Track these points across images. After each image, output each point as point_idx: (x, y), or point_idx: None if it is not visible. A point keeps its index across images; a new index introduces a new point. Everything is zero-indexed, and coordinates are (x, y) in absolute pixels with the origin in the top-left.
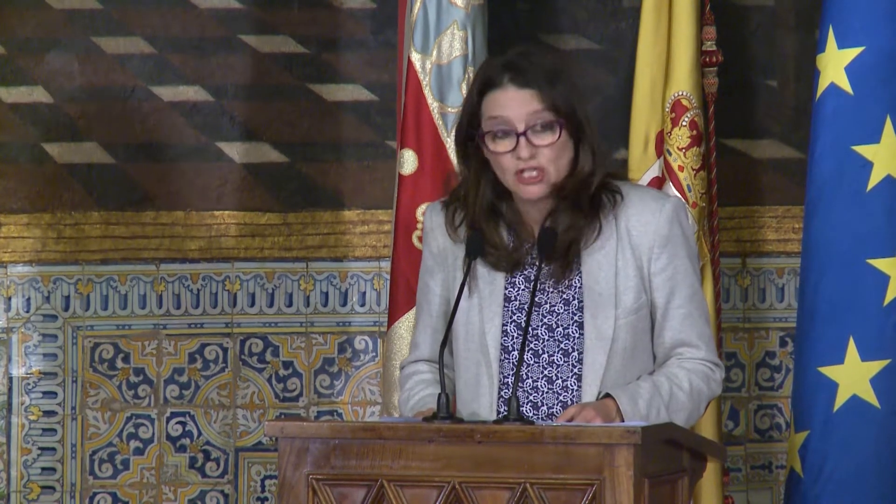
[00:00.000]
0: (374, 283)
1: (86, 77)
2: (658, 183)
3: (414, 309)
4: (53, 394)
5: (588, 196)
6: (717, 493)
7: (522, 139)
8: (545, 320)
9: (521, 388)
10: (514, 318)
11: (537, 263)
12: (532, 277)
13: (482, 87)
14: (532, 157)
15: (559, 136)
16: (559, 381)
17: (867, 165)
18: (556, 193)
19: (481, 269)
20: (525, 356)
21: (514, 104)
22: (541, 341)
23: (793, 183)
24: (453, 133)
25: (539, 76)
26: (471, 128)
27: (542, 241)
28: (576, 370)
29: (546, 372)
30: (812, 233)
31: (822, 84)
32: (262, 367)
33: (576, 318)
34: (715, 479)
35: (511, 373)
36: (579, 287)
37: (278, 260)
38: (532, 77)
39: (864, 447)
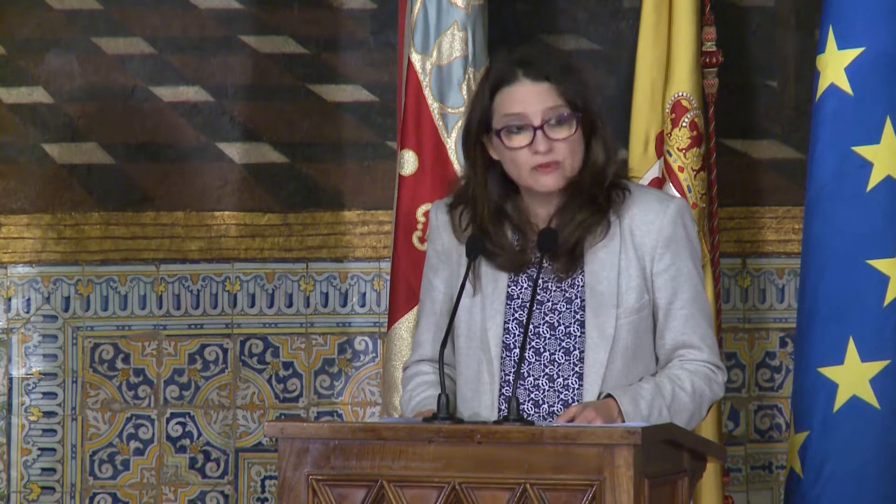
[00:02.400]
0: (374, 283)
1: (86, 77)
2: (658, 183)
3: (414, 309)
4: (53, 394)
5: (603, 190)
6: (717, 494)
7: (539, 133)
8: (547, 318)
9: (523, 385)
10: (517, 315)
11: (538, 262)
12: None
13: (495, 84)
14: (549, 150)
15: (575, 131)
16: (560, 379)
17: (867, 166)
18: (570, 188)
19: (485, 268)
20: (526, 354)
21: (531, 98)
22: (542, 339)
23: (793, 183)
24: (459, 135)
25: (553, 69)
26: (481, 128)
27: (542, 241)
28: (577, 369)
29: (547, 370)
30: (812, 233)
31: (822, 84)
32: (262, 368)
33: (577, 316)
34: (715, 480)
35: (511, 371)
36: (581, 286)
37: (278, 260)
38: (547, 70)
39: (864, 447)
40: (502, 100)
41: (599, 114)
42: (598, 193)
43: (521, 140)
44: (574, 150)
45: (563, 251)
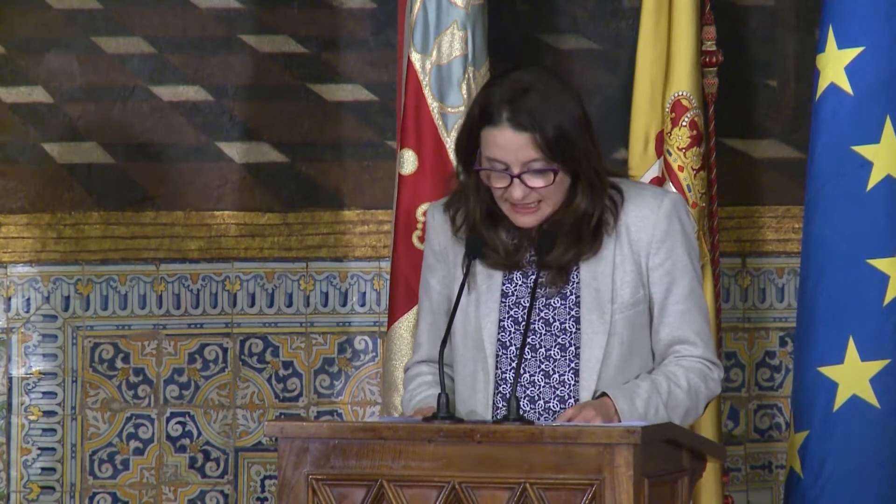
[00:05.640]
0: (373, 283)
1: (86, 77)
2: (658, 183)
3: (414, 309)
4: (53, 394)
5: (589, 227)
6: (717, 493)
7: (517, 181)
8: (542, 315)
9: (519, 382)
10: (511, 313)
11: (536, 266)
12: (530, 274)
13: (482, 118)
14: (525, 196)
15: (553, 181)
16: (556, 375)
17: (867, 165)
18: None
19: (479, 266)
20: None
21: (510, 148)
22: (538, 336)
23: (793, 183)
24: (454, 139)
25: (537, 118)
26: (471, 145)
27: (541, 244)
28: (573, 365)
29: (543, 366)
30: (812, 233)
31: (822, 84)
32: (262, 368)
33: (573, 312)
34: (715, 479)
35: (507, 368)
36: (577, 282)
37: (278, 260)
38: (529, 121)
39: (864, 447)
40: (486, 139)
41: (587, 154)
42: (583, 231)
43: (499, 182)
44: (553, 193)
45: (555, 265)
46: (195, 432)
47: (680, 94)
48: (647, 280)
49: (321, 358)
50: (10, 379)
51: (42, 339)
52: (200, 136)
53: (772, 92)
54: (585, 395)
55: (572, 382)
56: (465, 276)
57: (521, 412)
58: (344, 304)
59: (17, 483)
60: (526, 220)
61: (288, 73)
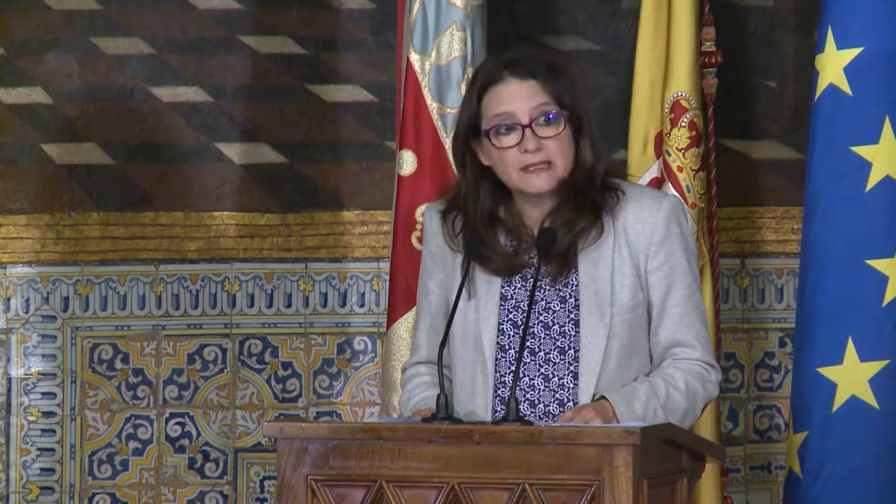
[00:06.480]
0: (373, 283)
1: (85, 78)
2: (657, 183)
3: (413, 310)
4: (52, 394)
5: (593, 192)
6: (717, 494)
7: (528, 131)
8: (541, 318)
9: (518, 386)
10: (511, 316)
11: (536, 264)
12: (529, 277)
13: (482, 87)
14: (538, 149)
15: (563, 128)
16: (555, 378)
17: (866, 166)
18: (562, 190)
19: (479, 272)
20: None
21: (518, 97)
22: (537, 339)
23: (792, 183)
24: (450, 140)
25: (540, 67)
26: (470, 131)
27: (541, 242)
28: (572, 368)
29: (542, 370)
30: (811, 233)
31: (821, 85)
32: (262, 368)
33: (572, 315)
34: (714, 480)
35: (507, 371)
36: (576, 285)
37: (277, 261)
38: (533, 68)
39: (863, 448)
40: (490, 100)
41: (586, 113)
42: (590, 194)
43: (510, 140)
44: (563, 149)
45: (556, 254)
46: (194, 433)
47: (679, 94)
48: (645, 283)
49: (320, 358)
50: (9, 379)
51: (41, 340)
52: (200, 136)
53: (771, 93)
54: (584, 398)
55: (571, 386)
56: (464, 278)
57: (520, 414)
58: (343, 305)
59: (17, 484)
60: (539, 183)
61: (287, 73)
